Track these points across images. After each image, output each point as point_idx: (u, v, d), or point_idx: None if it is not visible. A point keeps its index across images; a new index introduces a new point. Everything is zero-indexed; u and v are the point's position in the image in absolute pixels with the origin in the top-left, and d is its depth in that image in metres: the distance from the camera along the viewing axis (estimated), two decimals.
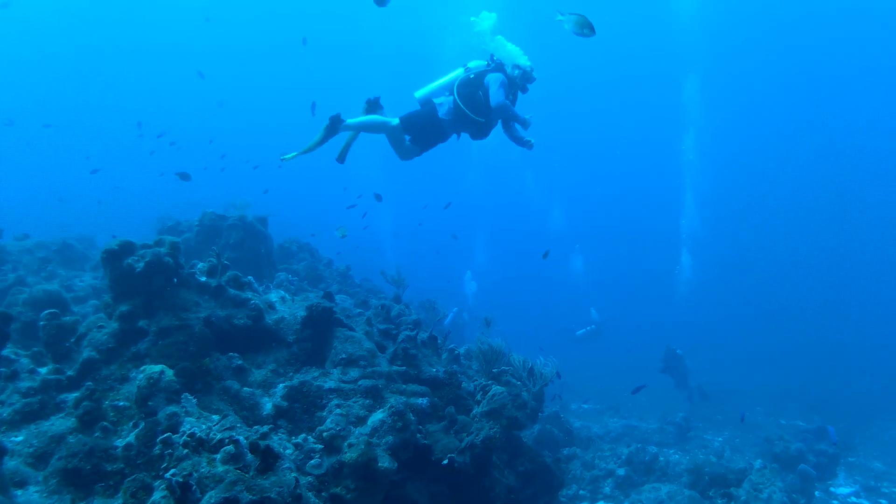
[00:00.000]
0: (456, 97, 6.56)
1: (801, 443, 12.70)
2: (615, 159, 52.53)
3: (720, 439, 15.13)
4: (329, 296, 6.32)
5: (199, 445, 3.61)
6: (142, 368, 4.71)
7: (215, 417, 4.42)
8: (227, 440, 3.63)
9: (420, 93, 6.80)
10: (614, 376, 21.69)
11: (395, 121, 6.59)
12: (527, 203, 48.53)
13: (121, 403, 4.72)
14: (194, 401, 4.48)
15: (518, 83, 6.78)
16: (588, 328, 21.20)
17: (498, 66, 6.74)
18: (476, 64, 6.80)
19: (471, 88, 6.56)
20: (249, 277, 6.24)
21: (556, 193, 46.63)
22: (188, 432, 3.68)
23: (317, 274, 11.20)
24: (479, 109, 6.57)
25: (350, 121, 6.44)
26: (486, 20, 7.04)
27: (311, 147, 6.30)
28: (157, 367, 4.60)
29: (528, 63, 6.75)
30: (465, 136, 6.98)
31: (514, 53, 6.79)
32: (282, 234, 12.58)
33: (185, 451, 3.58)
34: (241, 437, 3.68)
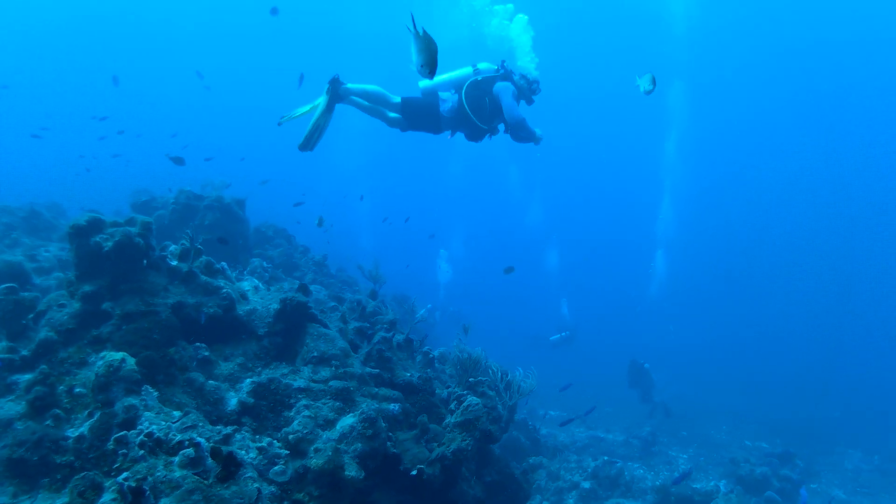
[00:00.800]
0: (463, 99, 6.46)
1: (767, 467, 12.74)
2: (598, 160, 52.79)
3: (685, 456, 15.13)
4: (304, 289, 6.07)
5: (157, 446, 3.37)
6: (102, 354, 4.45)
7: (176, 413, 4.16)
8: (187, 442, 3.40)
9: (425, 83, 6.63)
10: (583, 383, 21.66)
11: (397, 98, 6.49)
12: (508, 197, 48.50)
13: (77, 390, 4.45)
14: (155, 394, 4.22)
15: (525, 94, 6.75)
16: (562, 334, 21.11)
17: (507, 74, 6.66)
18: (486, 66, 6.73)
19: (479, 93, 6.49)
20: (223, 264, 5.97)
21: (538, 190, 46.69)
22: (146, 431, 3.44)
23: (292, 262, 10.93)
24: (483, 115, 6.52)
25: (351, 85, 6.31)
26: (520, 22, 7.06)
27: (318, 119, 6.15)
28: (119, 355, 4.33)
29: (537, 75, 6.75)
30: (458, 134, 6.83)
31: (525, 61, 6.78)
32: (259, 218, 12.28)
33: (142, 451, 3.33)
34: (202, 440, 3.44)
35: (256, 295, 6.17)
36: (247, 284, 6.39)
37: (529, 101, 6.87)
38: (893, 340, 33.97)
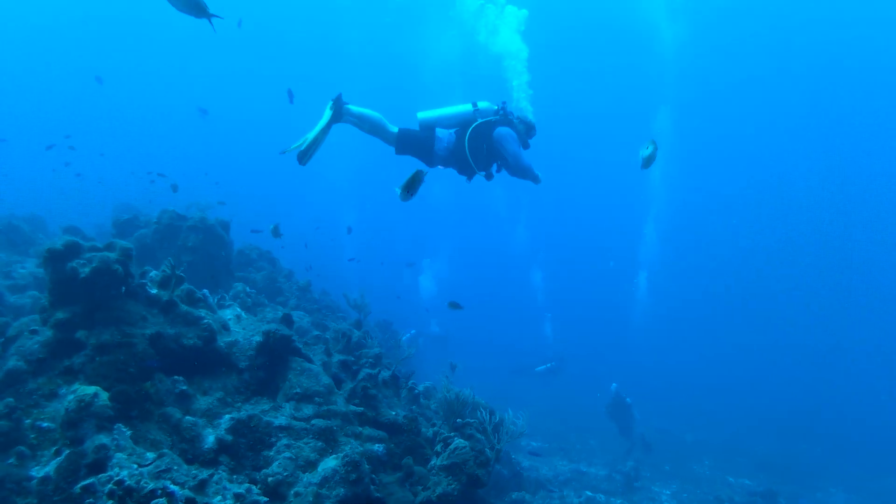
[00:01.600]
0: (466, 144, 6.46)
1: None
2: (584, 181, 52.99)
3: (668, 492, 14.93)
4: (287, 320, 5.87)
5: (127, 496, 3.15)
6: (73, 388, 4.23)
7: (150, 455, 3.93)
8: (160, 491, 3.17)
9: (424, 115, 6.64)
10: (564, 412, 21.47)
11: (394, 129, 6.49)
12: (493, 217, 48.54)
13: (44, 424, 4.22)
14: (128, 433, 4.00)
15: (523, 138, 6.77)
16: (548, 364, 20.95)
17: (505, 118, 6.66)
18: (485, 106, 6.70)
19: (479, 140, 6.50)
20: (204, 291, 5.76)
21: (524, 209, 46.79)
22: (115, 478, 3.21)
23: (276, 286, 10.69)
24: (479, 159, 6.57)
25: (353, 107, 6.29)
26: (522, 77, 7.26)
27: (317, 134, 6.05)
28: (91, 389, 4.11)
29: (534, 119, 6.84)
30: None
31: (523, 104, 6.93)
32: (241, 239, 12.05)
33: (111, 502, 3.10)
34: (176, 489, 3.23)
35: (239, 324, 5.96)
36: (229, 313, 6.17)
37: (526, 146, 6.87)
38: (877, 375, 34.15)
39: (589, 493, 13.43)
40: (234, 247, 10.46)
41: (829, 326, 41.44)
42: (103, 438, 3.92)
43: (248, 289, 8.90)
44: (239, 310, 6.39)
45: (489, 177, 6.81)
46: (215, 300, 7.20)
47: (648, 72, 39.95)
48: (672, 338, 40.02)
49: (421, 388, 6.95)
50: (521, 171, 6.66)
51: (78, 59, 45.66)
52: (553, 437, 18.14)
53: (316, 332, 7.81)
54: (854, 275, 44.65)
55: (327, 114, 6.13)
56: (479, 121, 6.59)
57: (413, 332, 20.63)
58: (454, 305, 9.38)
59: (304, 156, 6.04)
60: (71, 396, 4.07)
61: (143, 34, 47.16)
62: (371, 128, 6.50)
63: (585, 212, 54.67)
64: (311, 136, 6.03)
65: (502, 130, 6.55)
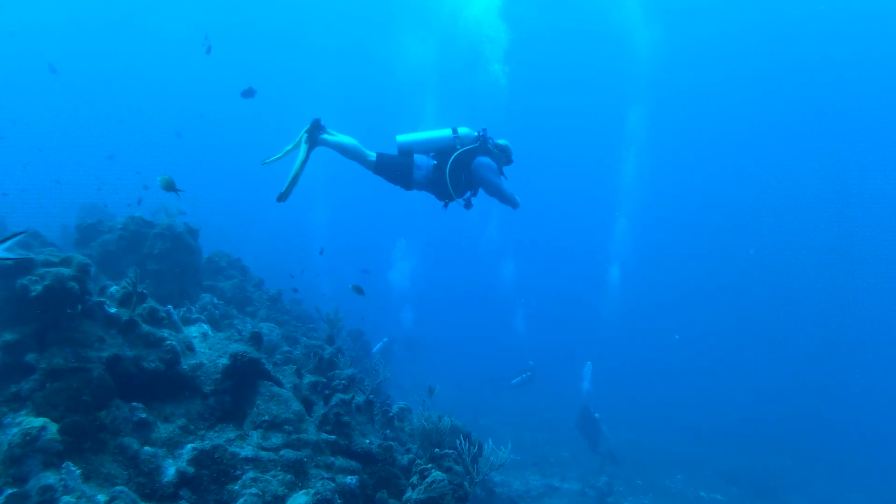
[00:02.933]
0: (447, 174, 6.47)
1: None
2: (557, 179, 53.01)
3: None
4: (257, 339, 5.55)
5: None
6: (19, 420, 3.87)
7: (101, 498, 3.60)
8: None
9: (403, 139, 6.54)
10: (537, 422, 21.33)
11: (372, 156, 6.39)
12: (464, 216, 48.43)
13: None
14: (77, 472, 3.66)
15: (500, 164, 6.81)
16: (523, 376, 20.82)
17: (483, 146, 6.67)
18: (465, 132, 6.73)
19: (459, 170, 6.56)
20: (168, 308, 5.40)
21: (495, 208, 46.75)
22: None
23: (245, 295, 10.32)
24: (457, 188, 6.63)
25: (328, 136, 6.22)
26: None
27: (297, 170, 6.05)
28: (38, 421, 3.76)
29: (509, 144, 6.88)
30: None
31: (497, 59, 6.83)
32: (210, 246, 11.67)
33: None
34: None
35: (205, 343, 5.61)
36: (195, 330, 5.83)
37: (501, 173, 6.86)
38: (848, 385, 34.56)
39: None
40: (202, 254, 10.08)
41: (801, 341, 41.87)
42: (50, 477, 3.58)
43: (215, 300, 8.54)
44: (205, 327, 6.05)
45: (468, 205, 6.84)
46: (181, 313, 6.84)
47: (622, 70, 40.07)
48: (641, 345, 40.22)
49: (395, 409, 6.67)
50: (501, 199, 6.73)
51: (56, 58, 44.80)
52: (525, 448, 17.95)
53: (286, 348, 7.48)
54: (831, 279, 45.10)
55: (303, 148, 6.08)
56: (460, 150, 6.58)
57: (385, 339, 20.33)
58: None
59: (284, 195, 6.01)
60: (15, 430, 3.72)
61: (109, 34, 46.47)
62: (348, 155, 6.43)
63: (558, 209, 54.61)
64: (290, 175, 6.01)
65: (482, 161, 6.59)
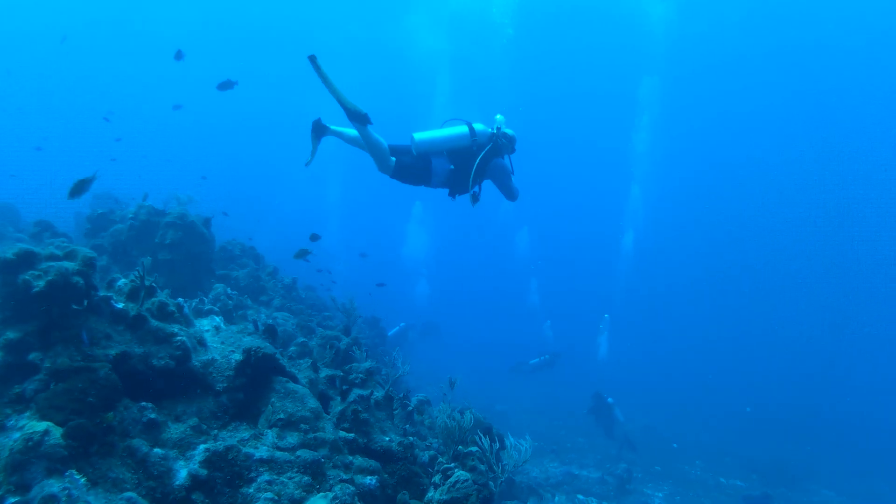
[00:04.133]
0: (469, 178, 6.64)
1: None
2: (567, 158, 52.31)
3: (661, 494, 14.65)
4: (271, 332, 5.34)
5: None
6: (21, 423, 3.68)
7: None
8: None
9: (420, 137, 6.44)
10: (555, 409, 21.14)
11: (392, 160, 6.37)
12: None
13: None
14: (82, 481, 3.46)
15: (507, 152, 6.98)
16: (542, 357, 20.57)
17: (496, 146, 6.79)
18: (481, 129, 6.74)
19: (477, 174, 6.68)
20: (179, 301, 5.19)
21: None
22: None
23: (259, 284, 10.12)
24: (474, 184, 6.77)
25: (371, 129, 6.12)
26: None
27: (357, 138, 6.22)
28: (41, 426, 3.56)
29: (515, 134, 7.01)
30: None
31: (500, 123, 6.93)
32: (223, 234, 11.50)
33: None
34: None
35: (217, 337, 5.40)
36: (207, 323, 5.63)
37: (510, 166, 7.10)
38: (866, 374, 34.06)
39: (581, 497, 13.15)
40: (215, 243, 9.90)
41: (819, 325, 41.28)
42: (54, 486, 3.38)
43: (229, 290, 8.35)
44: (218, 319, 5.84)
45: (475, 200, 6.91)
46: (193, 305, 6.66)
47: (634, 44, 39.37)
48: (656, 331, 39.87)
49: (414, 401, 6.47)
50: (507, 195, 7.13)
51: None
52: (543, 436, 17.75)
53: (301, 339, 7.27)
54: (848, 272, 44.33)
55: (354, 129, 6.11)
56: (477, 153, 6.65)
57: (402, 324, 20.22)
58: (302, 254, 8.91)
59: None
60: (17, 434, 3.53)
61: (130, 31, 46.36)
62: (372, 150, 6.33)
63: (569, 187, 53.88)
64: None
65: (498, 163, 6.78)
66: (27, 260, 4.24)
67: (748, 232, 49.78)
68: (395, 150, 6.44)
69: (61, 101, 45.84)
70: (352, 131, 6.28)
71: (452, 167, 6.58)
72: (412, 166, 6.45)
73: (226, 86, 11.72)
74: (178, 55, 13.37)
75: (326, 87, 5.70)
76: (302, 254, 8.89)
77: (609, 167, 48.22)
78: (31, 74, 45.01)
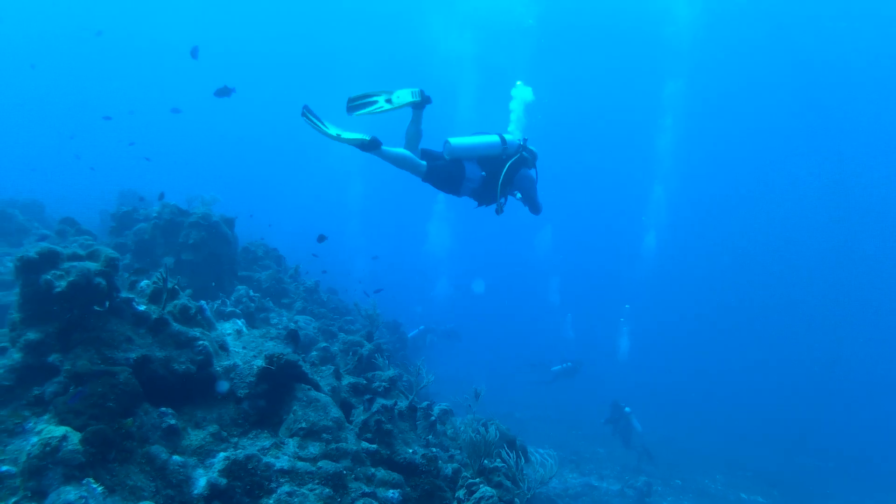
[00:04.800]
0: (499, 189, 6.76)
1: None
2: (589, 161, 51.77)
3: None
4: (293, 338, 5.23)
5: None
6: (39, 428, 3.59)
7: None
8: None
9: (456, 142, 6.56)
10: (573, 419, 20.89)
11: (423, 167, 6.46)
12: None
13: (3, 468, 3.57)
14: (99, 489, 3.35)
15: (531, 165, 7.11)
16: (565, 365, 20.30)
17: (522, 157, 6.91)
18: (511, 139, 6.85)
19: (506, 182, 6.80)
20: (201, 304, 5.10)
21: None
22: None
23: (281, 287, 10.04)
24: (502, 193, 6.87)
25: (385, 148, 6.18)
26: (523, 92, 7.49)
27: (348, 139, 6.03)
28: (59, 431, 3.47)
29: (537, 150, 7.15)
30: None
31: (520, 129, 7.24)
32: (246, 235, 11.46)
33: None
34: None
35: (239, 341, 5.31)
36: (229, 327, 5.53)
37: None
38: (886, 388, 33.31)
39: None
40: (238, 244, 9.84)
41: (836, 336, 40.41)
42: (70, 493, 3.28)
43: (251, 292, 8.27)
44: (240, 323, 5.74)
45: (500, 210, 7.01)
46: (215, 307, 6.58)
47: (658, 45, 38.83)
48: (677, 334, 39.33)
49: (437, 411, 6.32)
50: (531, 207, 7.31)
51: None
52: (562, 445, 17.53)
53: (323, 343, 7.17)
54: (881, 274, 43.29)
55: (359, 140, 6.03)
56: (507, 161, 6.77)
57: (421, 327, 20.09)
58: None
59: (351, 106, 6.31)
60: (35, 439, 3.43)
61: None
62: (401, 165, 6.44)
63: (590, 186, 53.29)
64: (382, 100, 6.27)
65: (527, 174, 6.99)
66: (50, 259, 4.16)
67: (772, 236, 48.91)
68: (426, 155, 6.55)
69: (89, 98, 46.25)
70: (402, 152, 6.39)
71: (484, 173, 6.69)
72: (445, 170, 6.55)
73: (223, 92, 11.72)
74: (194, 52, 13.40)
75: (324, 136, 5.91)
76: (321, 238, 9.01)
77: (631, 167, 47.68)
78: (57, 71, 45.47)
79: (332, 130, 5.89)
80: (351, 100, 6.29)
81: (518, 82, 7.43)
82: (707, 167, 47.90)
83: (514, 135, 7.05)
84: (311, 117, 5.87)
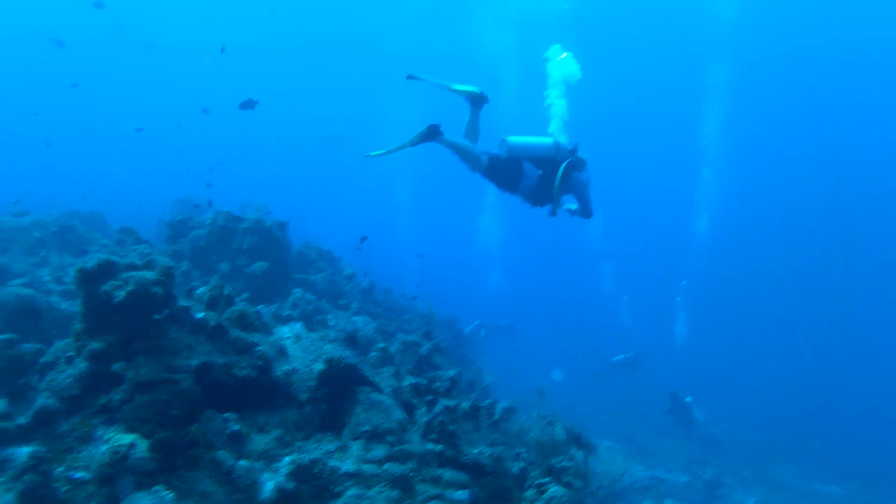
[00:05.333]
0: (556, 190, 6.80)
1: None
2: (632, 152, 50.74)
3: (752, 501, 13.98)
4: (352, 340, 5.20)
5: None
6: (108, 436, 3.60)
7: None
8: None
9: (514, 141, 6.69)
10: (635, 410, 20.47)
11: (485, 160, 6.66)
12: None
13: (77, 475, 3.59)
14: (170, 496, 3.35)
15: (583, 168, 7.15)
16: (626, 355, 19.91)
17: (575, 160, 6.94)
18: (563, 143, 6.96)
19: (563, 184, 6.83)
20: (259, 309, 5.10)
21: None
22: None
23: (337, 289, 10.08)
24: (559, 195, 6.91)
25: (447, 136, 6.42)
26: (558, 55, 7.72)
27: (402, 146, 6.31)
28: (127, 438, 3.49)
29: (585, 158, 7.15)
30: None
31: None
32: (299, 238, 11.51)
33: None
34: None
35: (297, 345, 5.29)
36: (287, 331, 5.52)
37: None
38: None
39: (670, 503, 12.61)
40: (292, 247, 9.91)
41: None
42: (142, 501, 3.28)
43: (307, 295, 8.30)
44: (297, 326, 5.73)
45: (555, 210, 7.11)
46: (272, 311, 6.59)
47: (702, 29, 37.73)
48: (736, 319, 38.25)
49: (499, 409, 6.21)
50: (583, 211, 7.41)
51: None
52: (626, 437, 17.18)
53: (382, 344, 7.13)
54: None
55: (415, 136, 6.29)
56: (562, 163, 6.80)
57: (476, 322, 20.01)
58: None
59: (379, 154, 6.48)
60: (104, 447, 3.46)
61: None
62: (461, 155, 6.65)
63: (636, 173, 52.21)
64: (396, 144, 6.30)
65: (581, 177, 7.06)
66: (107, 270, 4.19)
67: (837, 221, 47.03)
68: (491, 159, 6.73)
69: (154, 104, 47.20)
70: (463, 143, 6.61)
71: (541, 172, 6.82)
72: (504, 167, 6.71)
73: (247, 105, 11.82)
74: (223, 49, 13.56)
75: (440, 86, 6.42)
76: (363, 240, 9.08)
77: (677, 151, 46.46)
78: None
79: (444, 81, 6.33)
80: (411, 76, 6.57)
81: (556, 45, 7.59)
82: (757, 151, 46.41)
83: (566, 140, 7.17)
84: (419, 77, 6.36)
